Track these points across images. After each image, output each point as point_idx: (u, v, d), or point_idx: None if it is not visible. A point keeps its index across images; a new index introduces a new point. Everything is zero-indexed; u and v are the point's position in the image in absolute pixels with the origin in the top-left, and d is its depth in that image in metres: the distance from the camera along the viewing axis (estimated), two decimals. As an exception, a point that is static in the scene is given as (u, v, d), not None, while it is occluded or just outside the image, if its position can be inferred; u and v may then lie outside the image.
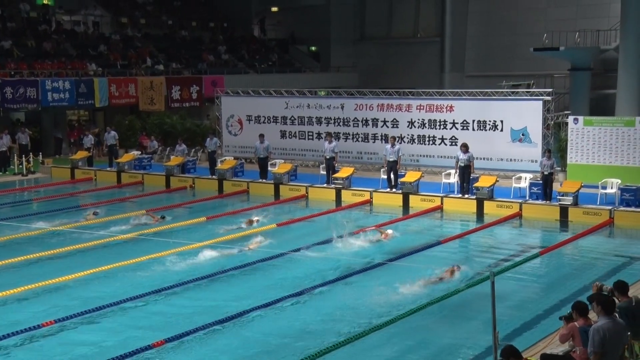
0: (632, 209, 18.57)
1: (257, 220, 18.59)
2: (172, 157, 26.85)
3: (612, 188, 19.71)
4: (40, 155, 28.95)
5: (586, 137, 21.07)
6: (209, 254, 15.38)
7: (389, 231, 17.25)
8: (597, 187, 19.73)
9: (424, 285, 13.12)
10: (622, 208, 18.69)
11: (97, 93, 31.34)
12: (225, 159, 26.37)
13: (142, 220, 18.84)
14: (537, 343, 9.96)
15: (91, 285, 13.70)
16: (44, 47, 33.46)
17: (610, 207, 18.77)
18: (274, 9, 47.35)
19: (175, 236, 17.00)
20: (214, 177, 24.75)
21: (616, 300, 8.69)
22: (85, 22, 38.82)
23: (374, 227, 17.61)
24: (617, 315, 8.23)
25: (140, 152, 28.62)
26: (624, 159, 20.51)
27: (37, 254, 15.53)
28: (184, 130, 30.92)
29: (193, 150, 28.50)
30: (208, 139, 26.17)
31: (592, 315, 8.68)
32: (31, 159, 27.60)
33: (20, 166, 27.08)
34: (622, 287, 9.15)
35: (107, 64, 34.47)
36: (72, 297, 12.96)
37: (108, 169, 27.10)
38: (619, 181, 19.65)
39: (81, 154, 27.75)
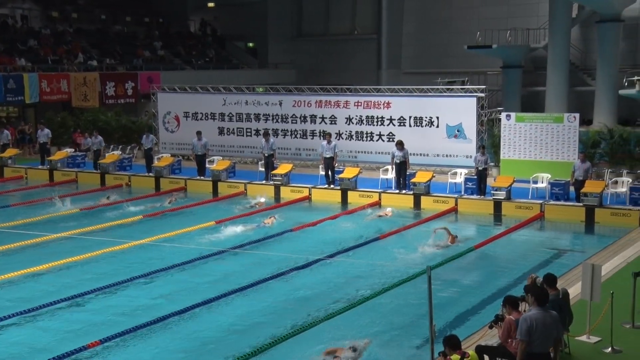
0: (561, 202, 19.26)
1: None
2: (87, 149, 26.37)
3: (542, 182, 20.38)
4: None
5: (518, 133, 21.68)
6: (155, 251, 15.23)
7: (388, 209, 19.47)
8: (528, 181, 20.35)
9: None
10: (551, 202, 19.34)
11: (27, 89, 30.34)
12: (162, 156, 25.97)
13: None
14: (472, 335, 10.24)
15: (22, 286, 13.34)
16: (-30, 41, 32.27)
17: (540, 201, 19.40)
18: (211, 4, 46.86)
19: (112, 234, 16.70)
20: (150, 174, 24.37)
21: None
22: (13, 16, 37.51)
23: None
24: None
25: (73, 150, 27.91)
26: (553, 154, 21.20)
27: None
28: (119, 127, 30.28)
29: (129, 147, 27.97)
30: (144, 136, 25.74)
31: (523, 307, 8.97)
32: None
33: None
34: (550, 280, 9.48)
35: (37, 59, 33.41)
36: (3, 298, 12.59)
37: (40, 167, 26.33)
38: (549, 176, 20.33)
39: (10, 152, 26.85)
